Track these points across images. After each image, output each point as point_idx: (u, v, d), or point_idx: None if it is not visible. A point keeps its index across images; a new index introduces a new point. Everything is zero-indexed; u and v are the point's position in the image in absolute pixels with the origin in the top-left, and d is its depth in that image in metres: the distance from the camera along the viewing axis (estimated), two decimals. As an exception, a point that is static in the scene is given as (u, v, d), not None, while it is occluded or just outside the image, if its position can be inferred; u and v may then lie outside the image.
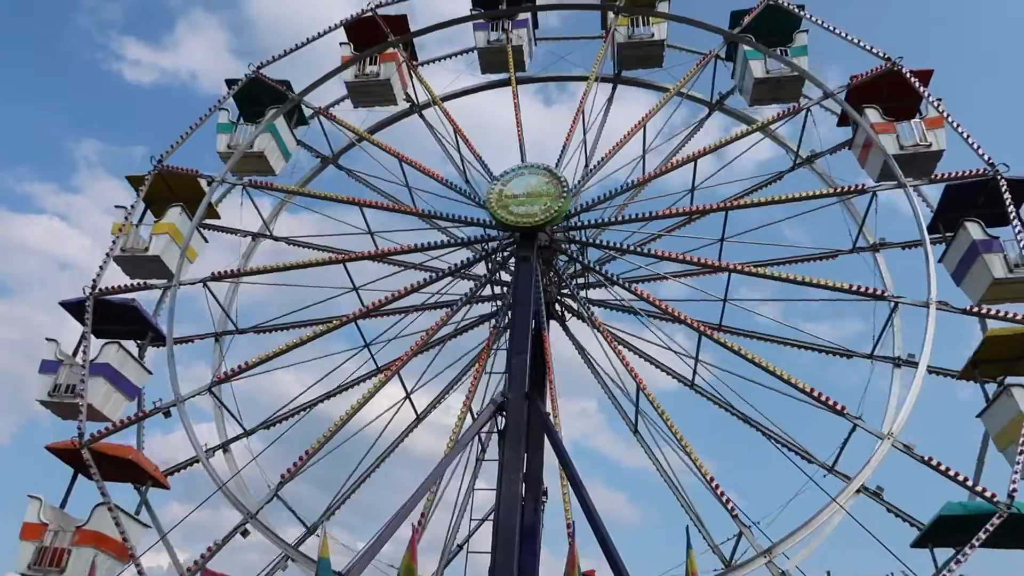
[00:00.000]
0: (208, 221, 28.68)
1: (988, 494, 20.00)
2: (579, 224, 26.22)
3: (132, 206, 27.81)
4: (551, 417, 22.56)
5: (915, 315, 23.91)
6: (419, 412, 26.58)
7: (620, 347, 24.34)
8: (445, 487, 24.10)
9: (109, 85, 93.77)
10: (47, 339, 25.38)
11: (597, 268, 25.64)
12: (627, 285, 24.87)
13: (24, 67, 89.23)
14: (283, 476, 23.23)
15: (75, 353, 25.37)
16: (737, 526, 21.21)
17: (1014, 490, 19.80)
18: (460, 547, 24.79)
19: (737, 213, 26.45)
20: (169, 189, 28.22)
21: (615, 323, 27.17)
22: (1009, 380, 22.02)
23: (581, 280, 27.04)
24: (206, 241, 28.52)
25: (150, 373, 26.17)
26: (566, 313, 27.48)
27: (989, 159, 24.40)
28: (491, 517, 21.00)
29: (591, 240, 26.22)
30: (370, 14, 30.94)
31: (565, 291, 26.83)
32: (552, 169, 25.59)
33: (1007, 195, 23.71)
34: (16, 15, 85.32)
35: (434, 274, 26.09)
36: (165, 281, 26.69)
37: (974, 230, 23.75)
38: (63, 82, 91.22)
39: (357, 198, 27.69)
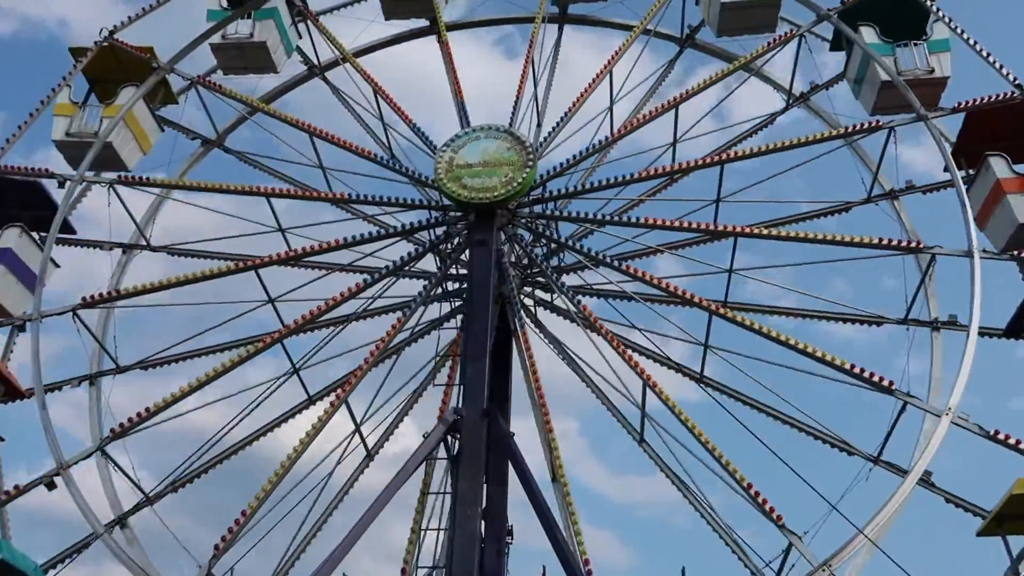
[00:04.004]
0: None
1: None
2: (546, 196, 25.84)
3: (65, 79, 27.36)
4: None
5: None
6: (370, 448, 25.44)
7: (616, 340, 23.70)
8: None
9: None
10: None
11: (577, 246, 25.21)
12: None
13: None
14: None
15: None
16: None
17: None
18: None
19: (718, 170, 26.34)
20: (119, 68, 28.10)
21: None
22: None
23: (553, 263, 26.63)
24: (162, 130, 28.45)
25: (57, 266, 25.98)
26: (537, 307, 26.84)
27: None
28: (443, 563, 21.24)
29: (560, 213, 25.89)
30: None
31: (539, 279, 26.46)
32: (515, 132, 25.41)
33: (1043, 120, 24.16)
34: None
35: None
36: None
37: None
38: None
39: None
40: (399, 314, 24.86)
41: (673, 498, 25.60)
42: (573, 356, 26.32)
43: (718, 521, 23.63)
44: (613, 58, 27.55)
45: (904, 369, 23.46)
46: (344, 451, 24.20)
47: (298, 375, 25.45)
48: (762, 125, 28.73)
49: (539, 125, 27.53)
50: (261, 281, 25.36)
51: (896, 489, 21.07)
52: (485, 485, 21.54)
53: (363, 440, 25.03)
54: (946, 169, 25.05)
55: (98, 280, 27.64)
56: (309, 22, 30.23)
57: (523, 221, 25.76)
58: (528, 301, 26.86)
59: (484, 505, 21.43)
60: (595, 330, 23.81)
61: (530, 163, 24.52)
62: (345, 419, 24.76)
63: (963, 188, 23.97)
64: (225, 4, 29.80)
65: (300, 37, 30.86)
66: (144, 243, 28.34)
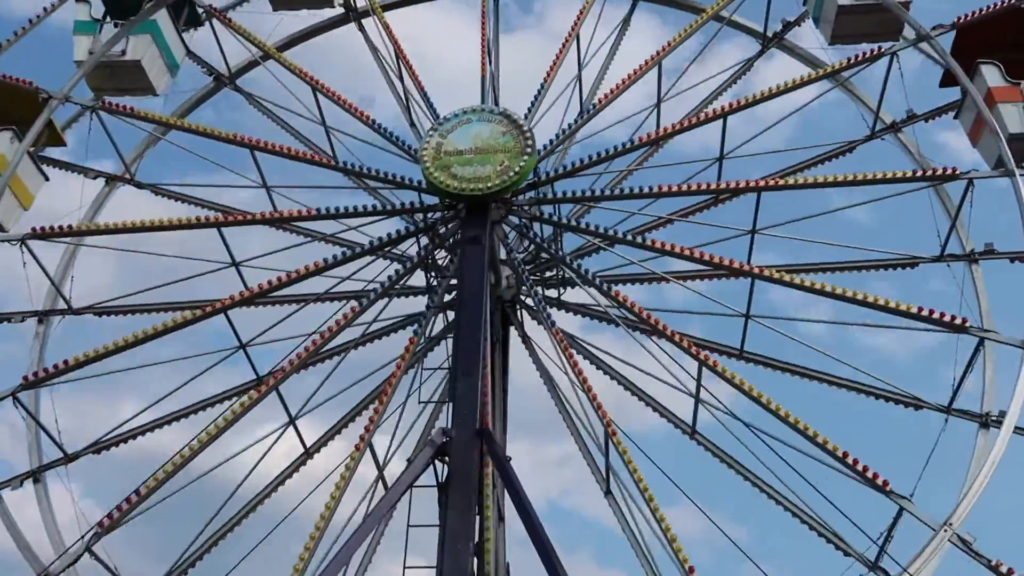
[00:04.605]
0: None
1: None
2: (542, 178, 23.81)
3: None
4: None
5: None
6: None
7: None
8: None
9: None
10: None
11: (594, 227, 23.17)
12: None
13: None
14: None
15: None
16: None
17: None
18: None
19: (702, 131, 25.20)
20: None
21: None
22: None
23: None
24: (46, 179, 25.14)
25: None
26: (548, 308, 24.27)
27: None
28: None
29: (564, 194, 23.91)
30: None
31: (549, 273, 24.67)
32: (511, 114, 23.31)
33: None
34: None
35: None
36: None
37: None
38: None
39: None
40: (409, 334, 22.52)
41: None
42: (594, 354, 24.39)
43: (803, 508, 21.88)
44: (576, 24, 25.93)
45: (960, 305, 22.57)
46: (371, 498, 21.42)
47: (294, 426, 22.72)
48: (741, 72, 27.43)
49: (496, 103, 25.54)
50: (232, 325, 22.59)
51: (998, 437, 19.93)
52: (478, 516, 19.33)
53: (385, 485, 21.94)
54: (943, 83, 24.55)
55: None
56: (215, 22, 27.30)
57: (524, 209, 23.70)
58: (528, 301, 24.78)
59: (477, 539, 19.18)
60: (640, 319, 21.93)
61: (529, 149, 22.52)
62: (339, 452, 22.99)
63: (982, 102, 23.08)
64: (97, 15, 26.57)
65: (187, 51, 27.89)
66: (64, 307, 24.66)
